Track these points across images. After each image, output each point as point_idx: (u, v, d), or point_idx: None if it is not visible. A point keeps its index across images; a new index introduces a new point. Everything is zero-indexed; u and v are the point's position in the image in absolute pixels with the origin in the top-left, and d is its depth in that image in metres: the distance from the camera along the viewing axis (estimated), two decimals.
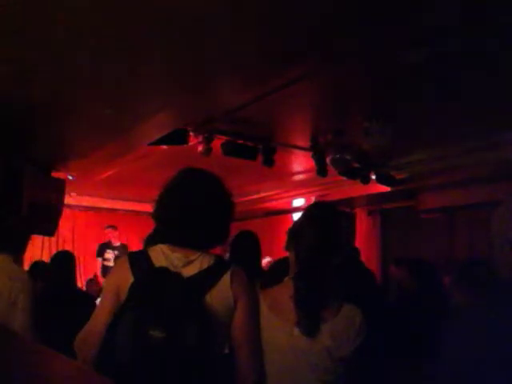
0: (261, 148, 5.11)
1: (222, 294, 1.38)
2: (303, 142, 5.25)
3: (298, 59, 2.95)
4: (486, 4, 2.61)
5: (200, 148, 4.78)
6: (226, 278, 1.40)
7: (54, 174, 5.27)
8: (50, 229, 5.22)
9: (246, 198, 7.95)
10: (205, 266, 1.41)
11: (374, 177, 6.11)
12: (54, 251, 7.96)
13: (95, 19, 2.39)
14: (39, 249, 8.01)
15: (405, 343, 2.47)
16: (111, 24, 2.43)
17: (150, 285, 1.33)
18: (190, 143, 4.69)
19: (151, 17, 2.36)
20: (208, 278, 1.38)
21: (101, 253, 7.47)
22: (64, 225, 7.69)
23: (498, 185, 5.55)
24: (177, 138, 4.49)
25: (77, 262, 4.17)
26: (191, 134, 4.64)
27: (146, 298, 1.29)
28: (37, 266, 4.13)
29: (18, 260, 2.71)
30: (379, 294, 2.83)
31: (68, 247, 8.05)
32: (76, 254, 4.73)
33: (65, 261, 3.71)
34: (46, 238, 7.58)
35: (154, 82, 3.17)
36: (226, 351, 1.49)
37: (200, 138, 4.75)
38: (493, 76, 3.51)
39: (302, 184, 7.24)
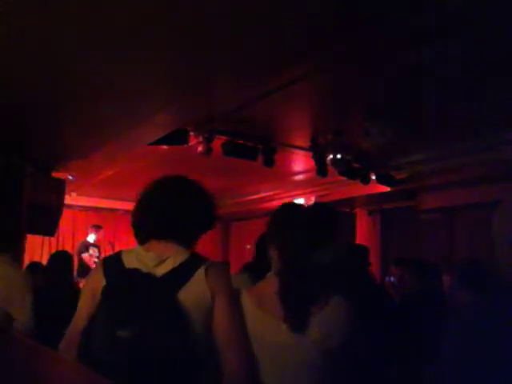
0: (261, 148, 5.11)
1: (196, 289, 1.33)
2: (303, 142, 5.25)
3: (297, 59, 2.95)
4: (485, 4, 2.61)
5: (200, 148, 4.78)
6: (200, 272, 1.35)
7: (54, 174, 5.27)
8: (49, 229, 5.22)
9: (246, 198, 7.95)
10: (177, 262, 1.37)
11: (373, 177, 6.12)
12: (53, 251, 7.98)
13: (95, 19, 2.39)
14: (39, 249, 8.02)
15: (405, 343, 2.47)
16: (111, 24, 2.43)
17: (119, 286, 1.34)
18: (190, 143, 4.69)
19: (151, 17, 2.36)
20: (180, 274, 1.35)
21: (86, 249, 7.41)
22: (64, 225, 7.69)
23: (498, 185, 5.55)
24: (177, 138, 4.49)
25: (74, 262, 4.17)
26: (191, 133, 4.64)
27: (116, 299, 1.30)
28: (33, 266, 4.13)
29: (16, 259, 2.70)
30: (380, 294, 2.83)
31: (68, 247, 8.05)
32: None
33: (62, 261, 3.72)
34: (46, 237, 7.58)
35: (154, 82, 3.17)
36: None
37: (200, 138, 4.75)
38: (493, 76, 3.51)
39: (301, 184, 7.24)
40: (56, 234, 6.40)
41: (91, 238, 7.58)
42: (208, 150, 4.76)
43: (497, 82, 3.62)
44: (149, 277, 1.33)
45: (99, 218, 9.02)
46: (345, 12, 2.38)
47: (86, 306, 1.42)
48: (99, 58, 2.79)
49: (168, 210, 1.47)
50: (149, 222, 1.49)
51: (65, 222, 7.44)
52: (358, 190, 6.71)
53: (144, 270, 1.35)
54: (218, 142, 4.81)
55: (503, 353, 1.03)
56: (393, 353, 2.37)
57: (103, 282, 1.37)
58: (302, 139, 5.22)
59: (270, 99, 3.85)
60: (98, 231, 7.67)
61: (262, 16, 2.37)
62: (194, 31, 2.48)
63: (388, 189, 6.53)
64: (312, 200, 8.08)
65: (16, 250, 2.73)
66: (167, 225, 1.46)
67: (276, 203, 7.88)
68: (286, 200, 8.16)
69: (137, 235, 1.51)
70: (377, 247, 7.75)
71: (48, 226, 5.12)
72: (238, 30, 2.50)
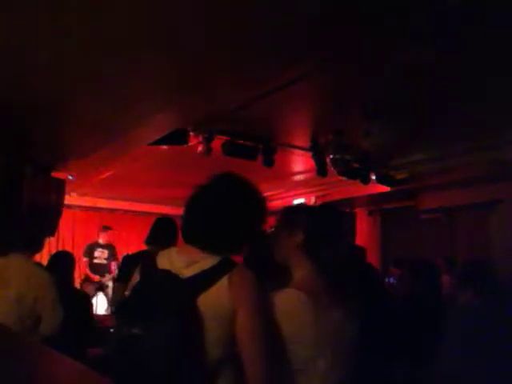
0: (261, 148, 5.11)
1: (216, 297, 1.28)
2: (303, 142, 5.25)
3: (298, 59, 2.95)
4: (486, 4, 2.61)
5: (200, 148, 4.78)
6: (224, 280, 1.30)
7: (54, 174, 5.27)
8: (50, 229, 5.22)
9: None
10: (206, 266, 1.34)
11: (373, 177, 6.12)
12: (53, 251, 7.97)
13: (95, 19, 2.39)
14: None
15: (404, 343, 2.47)
16: (111, 24, 2.43)
17: (146, 285, 1.36)
18: (190, 143, 4.69)
19: (151, 17, 2.36)
20: (205, 279, 1.31)
21: (90, 252, 7.47)
22: (64, 225, 7.69)
23: (498, 185, 5.56)
24: (177, 138, 4.49)
25: (76, 262, 4.17)
26: (191, 133, 4.64)
27: (139, 297, 1.32)
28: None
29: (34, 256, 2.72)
30: (380, 294, 2.83)
31: (68, 247, 8.05)
32: (76, 253, 4.73)
33: (64, 261, 3.72)
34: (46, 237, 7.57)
35: (154, 82, 3.17)
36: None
37: (200, 138, 4.75)
38: (493, 76, 3.51)
39: (301, 184, 7.24)
40: (56, 234, 6.40)
41: (101, 239, 7.57)
42: (208, 150, 4.76)
43: (497, 82, 3.62)
44: (175, 278, 1.31)
45: (99, 218, 9.03)
46: (345, 12, 2.38)
47: None
48: (99, 58, 2.79)
49: (207, 222, 1.41)
50: (186, 229, 1.46)
51: (65, 221, 7.44)
52: (358, 189, 6.72)
53: (173, 271, 1.33)
54: (218, 142, 4.81)
55: (502, 353, 1.03)
56: (392, 353, 2.37)
57: (137, 280, 1.41)
58: (302, 139, 5.22)
59: (270, 99, 3.84)
60: (105, 232, 7.64)
61: (262, 16, 2.37)
62: (194, 31, 2.49)
63: (388, 189, 6.53)
64: (312, 200, 8.08)
65: (36, 248, 2.74)
66: (204, 236, 1.41)
67: (276, 203, 7.89)
68: (286, 200, 8.17)
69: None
70: (377, 247, 7.75)
71: (48, 226, 5.12)
72: (238, 30, 2.50)
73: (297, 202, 8.40)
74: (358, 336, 1.52)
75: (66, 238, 8.69)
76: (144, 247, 3.53)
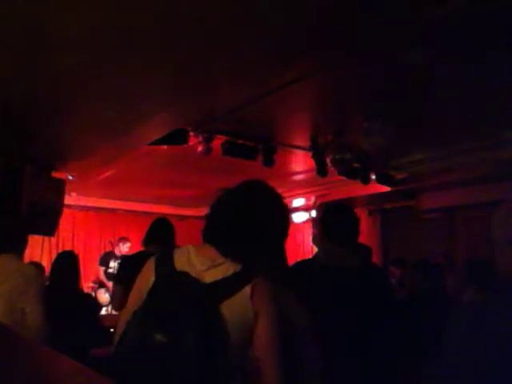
0: (261, 148, 5.11)
1: (239, 306, 1.29)
2: (303, 141, 5.25)
3: (297, 59, 2.95)
4: (486, 4, 2.61)
5: (200, 148, 4.78)
6: (247, 289, 1.31)
7: (54, 174, 5.27)
8: (50, 229, 5.21)
9: None
10: (229, 273, 1.33)
11: (373, 177, 6.12)
12: (53, 251, 7.98)
13: (95, 19, 2.39)
14: (39, 249, 8.01)
15: (405, 343, 2.47)
16: (111, 24, 2.43)
17: (165, 288, 1.32)
18: (190, 143, 4.69)
19: (151, 17, 2.36)
20: (228, 286, 1.31)
21: (106, 262, 7.35)
22: (64, 225, 7.69)
23: (498, 185, 5.56)
24: (177, 137, 4.49)
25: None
26: (191, 134, 4.64)
27: (159, 301, 1.29)
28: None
29: (21, 259, 2.77)
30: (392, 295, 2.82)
31: (68, 247, 8.05)
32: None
33: (69, 261, 3.71)
34: (46, 237, 7.58)
35: (154, 83, 3.17)
36: None
37: (200, 138, 4.75)
38: (493, 76, 3.51)
39: (301, 184, 7.24)
40: (56, 234, 6.40)
41: (119, 249, 7.35)
42: (208, 150, 4.76)
43: (497, 82, 3.62)
44: (197, 283, 1.30)
45: (99, 218, 9.03)
46: (345, 12, 2.38)
47: (133, 302, 1.40)
48: (99, 58, 2.79)
49: (226, 221, 1.41)
50: (210, 229, 1.44)
51: (65, 222, 7.44)
52: (358, 189, 6.72)
53: (193, 274, 1.32)
54: (217, 142, 4.81)
55: (504, 353, 1.03)
56: (393, 353, 2.36)
57: (153, 280, 1.36)
58: (302, 139, 5.22)
59: (270, 99, 3.85)
60: (123, 244, 7.38)
61: (262, 16, 2.37)
62: (194, 31, 2.49)
63: (388, 189, 6.53)
64: (312, 200, 8.09)
65: (22, 251, 2.78)
66: (228, 240, 1.40)
67: None
68: (286, 200, 8.14)
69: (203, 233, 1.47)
70: (377, 247, 7.75)
71: (48, 226, 5.12)
72: (238, 29, 2.50)
73: (297, 201, 8.42)
74: None
75: (66, 238, 8.68)
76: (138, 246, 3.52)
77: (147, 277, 1.39)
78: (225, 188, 1.50)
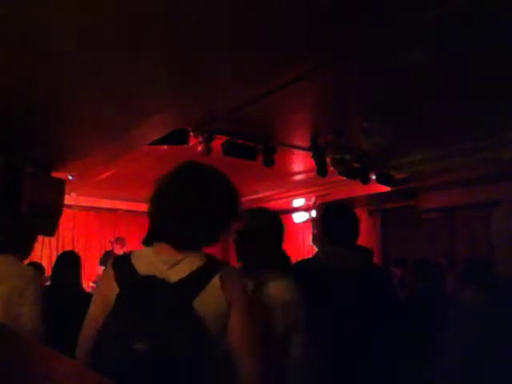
0: (261, 148, 5.11)
1: (212, 298, 1.26)
2: (303, 141, 5.25)
3: (297, 59, 2.95)
4: (486, 4, 2.61)
5: (200, 148, 4.78)
6: (216, 280, 1.28)
7: (54, 174, 5.27)
8: (50, 229, 5.21)
9: (246, 198, 7.95)
10: (194, 267, 1.29)
11: (373, 177, 6.12)
12: (54, 251, 7.98)
13: (95, 19, 2.39)
14: (39, 249, 8.01)
15: (405, 343, 2.47)
16: (111, 24, 2.43)
17: (134, 295, 1.27)
18: (190, 143, 4.69)
19: (151, 17, 2.36)
20: (196, 281, 1.27)
21: (106, 262, 7.33)
22: (64, 225, 7.68)
23: (498, 185, 5.56)
24: (177, 138, 4.49)
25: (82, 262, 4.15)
26: (191, 133, 4.64)
27: (131, 309, 1.25)
28: (32, 266, 4.12)
29: (24, 260, 2.77)
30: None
31: (68, 247, 8.05)
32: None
33: (70, 261, 3.70)
34: (46, 237, 7.57)
35: (154, 82, 3.17)
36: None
37: (200, 138, 4.75)
38: (493, 76, 3.51)
39: (301, 184, 7.24)
40: (56, 234, 6.40)
41: (116, 250, 7.32)
42: (208, 150, 4.76)
43: (497, 82, 3.62)
44: (164, 284, 1.26)
45: (99, 218, 9.03)
46: (345, 12, 2.38)
47: (97, 315, 1.34)
48: (99, 58, 2.79)
49: (168, 212, 1.35)
50: (158, 223, 1.38)
51: (65, 222, 7.44)
52: (358, 189, 6.72)
53: (158, 275, 1.28)
54: (218, 142, 4.81)
55: (504, 352, 1.03)
56: (393, 353, 2.37)
57: (116, 289, 1.30)
58: (302, 139, 5.22)
59: (270, 99, 3.85)
60: (119, 244, 7.34)
61: (261, 16, 2.37)
62: (194, 31, 2.49)
63: (388, 189, 6.53)
64: (312, 200, 8.08)
65: (26, 251, 2.78)
66: (178, 228, 1.33)
67: (276, 203, 7.91)
68: (286, 200, 8.17)
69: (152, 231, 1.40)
70: (377, 247, 7.75)
71: (48, 226, 5.12)
72: (238, 30, 2.50)
73: (297, 201, 8.42)
74: None
75: (66, 238, 8.68)
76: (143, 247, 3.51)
77: (108, 286, 1.33)
78: (160, 177, 1.41)
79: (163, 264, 1.31)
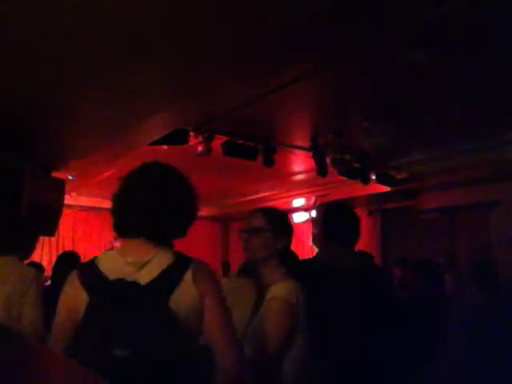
0: (261, 148, 5.12)
1: (186, 294, 1.27)
2: (303, 141, 5.26)
3: (298, 59, 2.95)
4: (486, 4, 2.61)
5: (200, 148, 4.78)
6: (188, 276, 1.28)
7: (54, 174, 5.27)
8: (49, 229, 5.21)
9: (246, 198, 7.96)
10: (164, 265, 1.29)
11: (373, 177, 6.12)
12: (53, 251, 7.99)
13: (95, 20, 2.39)
14: (39, 249, 8.01)
15: (405, 343, 2.47)
16: (111, 24, 2.43)
17: (106, 302, 1.26)
18: (190, 143, 4.69)
19: (151, 17, 2.36)
20: (168, 280, 1.27)
21: None
22: (64, 225, 7.69)
23: (498, 185, 5.56)
24: (177, 138, 4.49)
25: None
26: (191, 133, 4.64)
27: (105, 316, 1.24)
28: (32, 266, 4.12)
29: (24, 260, 2.78)
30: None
31: (68, 247, 8.06)
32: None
33: (70, 261, 3.71)
34: (46, 237, 7.57)
35: (154, 82, 3.17)
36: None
37: (200, 138, 4.76)
38: (493, 76, 3.51)
39: (302, 184, 7.24)
40: (56, 234, 6.40)
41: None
42: (208, 150, 4.77)
43: (497, 82, 3.62)
44: (135, 287, 1.25)
45: (99, 218, 9.03)
46: (345, 12, 2.38)
47: (64, 325, 1.33)
48: (99, 58, 2.79)
49: (136, 205, 1.35)
50: (121, 219, 1.38)
51: (65, 222, 7.44)
52: (358, 189, 6.72)
53: (128, 278, 1.26)
54: (218, 142, 4.81)
55: (503, 352, 1.03)
56: (393, 353, 2.37)
57: (85, 298, 1.28)
58: (302, 139, 5.23)
59: (270, 99, 3.85)
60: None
61: (262, 16, 2.37)
62: (194, 31, 2.49)
63: (388, 189, 6.53)
64: (312, 200, 8.08)
65: (28, 252, 2.78)
66: (141, 221, 1.34)
67: (276, 203, 7.91)
68: (286, 200, 8.18)
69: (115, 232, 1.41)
70: (377, 247, 7.75)
71: (48, 226, 5.12)
72: (238, 30, 2.50)
73: (297, 201, 8.42)
74: None
75: (66, 238, 8.69)
76: None
77: (75, 295, 1.31)
78: (124, 176, 1.43)
79: (131, 266, 1.30)
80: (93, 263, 1.35)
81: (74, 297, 1.31)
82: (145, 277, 1.27)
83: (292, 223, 1.96)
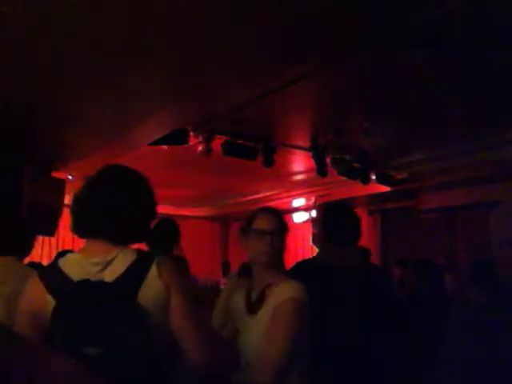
0: (261, 148, 5.12)
1: (152, 289, 1.30)
2: (303, 141, 5.25)
3: (297, 59, 2.95)
4: (486, 4, 2.61)
5: (200, 148, 4.78)
6: (153, 270, 1.31)
7: (54, 174, 5.27)
8: (49, 229, 5.21)
9: (246, 198, 7.96)
10: (128, 262, 1.32)
11: (373, 177, 6.12)
12: (53, 251, 7.97)
13: (95, 20, 2.39)
14: (39, 249, 8.01)
15: (405, 343, 2.48)
16: (111, 24, 2.43)
17: (73, 303, 1.27)
18: (190, 143, 4.69)
19: (151, 17, 2.36)
20: (134, 277, 1.30)
21: None
22: (64, 225, 7.67)
23: (498, 185, 5.56)
24: (177, 137, 4.49)
25: None
26: (191, 133, 4.64)
27: (74, 317, 1.25)
28: (32, 266, 4.12)
29: (23, 260, 2.77)
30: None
31: (68, 247, 8.04)
32: None
33: None
34: (46, 238, 7.58)
35: (154, 82, 3.17)
36: None
37: (200, 138, 4.75)
38: (493, 76, 3.51)
39: (302, 184, 7.24)
40: (56, 234, 6.40)
41: None
42: (208, 150, 4.76)
43: (497, 82, 3.62)
44: (101, 286, 1.27)
45: None
46: (345, 12, 2.38)
47: (26, 327, 1.33)
48: (99, 58, 2.79)
49: (100, 205, 1.38)
50: (82, 220, 1.42)
51: (65, 222, 7.43)
52: (358, 189, 6.72)
53: (93, 278, 1.29)
54: (218, 142, 4.81)
55: (503, 352, 1.03)
56: (393, 353, 2.37)
57: (50, 301, 1.28)
58: (302, 139, 5.22)
59: (270, 99, 3.85)
60: None
61: (262, 16, 2.37)
62: (194, 31, 2.49)
63: (388, 189, 6.53)
64: (312, 200, 8.08)
65: (26, 252, 2.78)
66: (103, 222, 1.37)
67: (276, 203, 7.91)
68: (286, 200, 8.18)
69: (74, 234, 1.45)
70: (377, 247, 7.75)
71: (48, 226, 5.12)
72: (238, 30, 2.50)
73: (297, 201, 8.42)
74: None
75: (65, 238, 8.68)
76: (143, 246, 3.51)
77: (39, 299, 1.31)
78: (87, 177, 1.47)
79: (95, 266, 1.32)
80: (55, 266, 1.36)
81: (38, 301, 1.32)
82: (110, 275, 1.30)
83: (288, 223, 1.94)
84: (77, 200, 1.43)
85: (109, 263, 1.32)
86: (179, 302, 1.32)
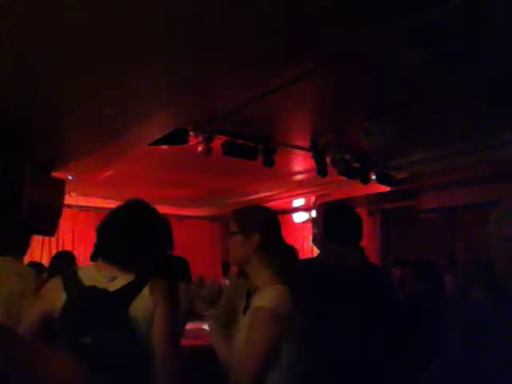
0: (261, 148, 5.11)
1: (143, 304, 1.57)
2: (303, 142, 5.25)
3: (297, 59, 2.95)
4: (486, 4, 2.62)
5: (200, 148, 4.78)
6: (146, 290, 1.59)
7: (54, 174, 5.27)
8: (49, 229, 5.21)
9: (246, 198, 7.95)
10: (129, 280, 1.61)
11: (373, 177, 6.12)
12: (53, 251, 7.97)
13: (96, 20, 2.39)
14: (39, 249, 8.02)
15: (405, 343, 2.48)
16: (111, 24, 2.43)
17: (80, 301, 1.59)
18: (190, 143, 4.69)
19: (151, 17, 2.36)
20: (130, 291, 1.59)
21: None
22: (64, 225, 7.68)
23: (498, 185, 5.56)
24: (177, 137, 4.49)
25: (77, 262, 4.17)
26: (191, 133, 4.64)
27: (78, 312, 1.56)
28: (32, 266, 4.12)
29: (21, 261, 2.78)
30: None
31: (68, 247, 8.05)
32: (76, 254, 4.73)
33: (65, 261, 3.72)
34: (46, 238, 7.58)
35: (154, 82, 3.17)
36: None
37: (200, 138, 4.75)
38: (493, 76, 3.51)
39: (302, 184, 7.24)
40: (56, 234, 6.40)
41: None
42: (208, 150, 4.77)
43: (497, 82, 3.62)
44: (105, 293, 1.58)
45: (99, 218, 9.00)
46: (345, 12, 2.38)
47: (34, 323, 1.65)
48: (100, 58, 2.79)
49: (113, 237, 1.68)
50: (100, 244, 1.70)
51: (65, 221, 7.43)
52: (358, 189, 6.72)
53: (100, 286, 1.59)
54: (218, 142, 4.81)
55: (504, 353, 1.03)
56: (393, 352, 2.37)
57: (63, 298, 1.59)
58: (301, 139, 5.23)
59: (270, 99, 3.85)
60: None
61: (262, 16, 2.37)
62: (194, 31, 2.49)
63: (388, 189, 6.53)
64: (312, 200, 8.09)
65: (23, 252, 2.79)
66: (113, 250, 1.66)
67: (276, 203, 7.91)
68: (286, 200, 8.18)
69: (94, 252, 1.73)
70: (377, 247, 7.76)
71: (48, 226, 5.12)
72: (238, 30, 2.50)
73: (297, 202, 8.42)
74: None
75: (65, 238, 8.69)
76: None
77: (55, 297, 1.61)
78: (109, 212, 1.76)
79: (103, 278, 1.62)
80: (74, 271, 1.69)
81: (53, 299, 1.61)
82: (113, 286, 1.60)
83: (275, 217, 1.88)
84: (97, 227, 1.72)
85: (114, 278, 1.62)
86: (161, 317, 1.58)
